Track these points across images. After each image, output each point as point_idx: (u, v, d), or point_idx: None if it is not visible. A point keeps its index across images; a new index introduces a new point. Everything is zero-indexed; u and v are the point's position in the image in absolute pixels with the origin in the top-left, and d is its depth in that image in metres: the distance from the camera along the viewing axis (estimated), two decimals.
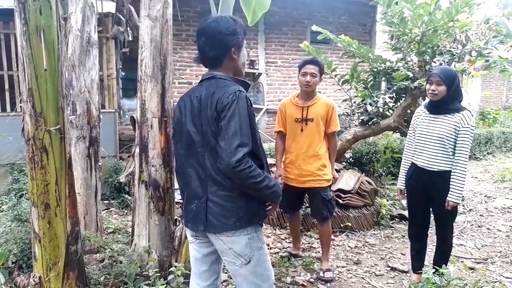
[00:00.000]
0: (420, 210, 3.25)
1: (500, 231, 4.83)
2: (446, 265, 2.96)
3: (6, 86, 5.52)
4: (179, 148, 2.09)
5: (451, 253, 3.36)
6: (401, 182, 3.33)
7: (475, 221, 5.17)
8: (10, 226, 3.40)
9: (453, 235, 3.37)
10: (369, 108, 5.77)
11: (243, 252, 1.97)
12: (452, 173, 2.96)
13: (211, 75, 2.04)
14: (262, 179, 1.87)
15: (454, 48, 5.23)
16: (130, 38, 5.27)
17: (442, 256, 3.20)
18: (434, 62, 5.08)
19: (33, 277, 2.61)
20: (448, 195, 2.95)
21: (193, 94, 2.04)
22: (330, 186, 3.60)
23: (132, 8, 5.03)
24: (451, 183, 2.95)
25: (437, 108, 3.04)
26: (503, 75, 4.80)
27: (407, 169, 3.28)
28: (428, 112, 3.11)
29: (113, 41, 5.77)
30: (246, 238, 1.96)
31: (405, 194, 3.31)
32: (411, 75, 5.12)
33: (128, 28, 5.00)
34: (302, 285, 3.41)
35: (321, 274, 3.51)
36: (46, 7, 2.23)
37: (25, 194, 4.52)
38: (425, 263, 3.42)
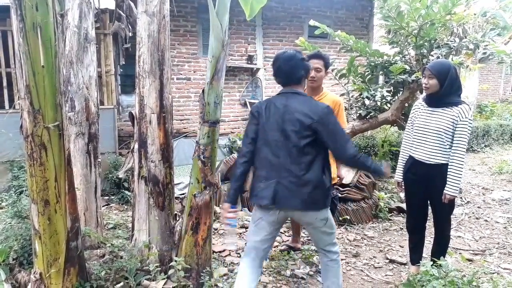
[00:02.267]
0: (418, 203, 3.27)
1: (497, 222, 4.86)
2: (444, 257, 2.99)
3: (4, 83, 5.52)
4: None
5: (449, 245, 3.38)
6: (398, 175, 3.35)
7: (473, 213, 5.20)
8: (10, 223, 3.41)
9: (451, 227, 3.40)
10: (366, 102, 5.78)
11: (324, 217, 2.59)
12: (449, 166, 2.98)
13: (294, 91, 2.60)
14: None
15: (451, 41, 5.24)
16: (130, 34, 5.27)
17: (440, 249, 3.23)
18: (432, 55, 5.09)
19: (34, 273, 2.63)
20: (445, 188, 2.97)
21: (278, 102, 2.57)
22: (333, 185, 3.55)
23: (132, 4, 5.02)
24: (448, 176, 2.97)
25: (435, 101, 3.05)
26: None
27: (405, 161, 3.30)
28: (427, 105, 3.12)
29: (111, 37, 5.77)
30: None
31: (403, 187, 3.34)
32: (408, 68, 5.13)
33: (129, 24, 5.00)
34: (302, 278, 3.44)
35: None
36: (42, 4, 2.23)
37: (25, 191, 4.53)
38: (424, 255, 3.45)
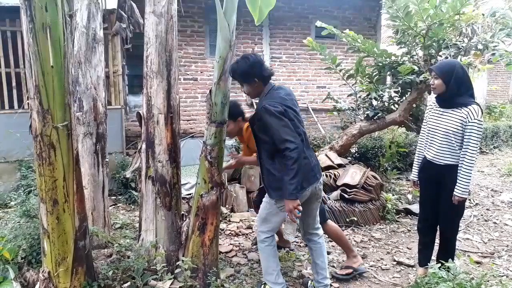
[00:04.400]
0: (429, 203, 3.25)
1: (506, 225, 4.81)
2: (452, 260, 2.95)
3: (14, 84, 5.57)
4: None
5: (458, 247, 3.34)
6: (414, 174, 3.38)
7: (482, 215, 5.15)
8: (19, 222, 3.44)
9: (459, 229, 3.36)
10: (374, 102, 5.75)
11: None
12: (459, 167, 2.95)
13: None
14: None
15: (460, 41, 5.19)
16: (131, 35, 5.28)
17: (445, 255, 3.14)
18: (440, 55, 5.05)
19: (42, 272, 2.64)
20: (455, 189, 2.94)
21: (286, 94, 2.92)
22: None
23: (134, 5, 5.03)
24: (457, 177, 2.94)
25: (445, 102, 3.03)
26: (508, 67, 4.76)
27: (420, 161, 3.29)
28: (438, 106, 3.11)
29: (119, 38, 5.79)
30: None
31: (418, 186, 3.34)
32: (416, 69, 5.10)
33: (130, 25, 5.00)
34: (308, 278, 3.42)
35: (338, 270, 3.48)
36: (51, 4, 2.25)
37: (34, 190, 4.57)
38: (432, 257, 3.42)
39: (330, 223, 3.53)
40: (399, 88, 5.53)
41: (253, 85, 2.87)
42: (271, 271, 3.00)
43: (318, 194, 3.02)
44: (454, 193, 2.94)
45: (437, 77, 2.97)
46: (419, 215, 3.45)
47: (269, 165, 2.85)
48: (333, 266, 3.66)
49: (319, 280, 3.12)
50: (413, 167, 3.39)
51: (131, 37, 5.39)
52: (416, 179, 3.35)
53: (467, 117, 2.89)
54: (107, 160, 3.74)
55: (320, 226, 3.21)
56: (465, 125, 2.90)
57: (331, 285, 3.29)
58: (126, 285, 2.91)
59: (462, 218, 4.61)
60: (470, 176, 2.92)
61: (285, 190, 2.66)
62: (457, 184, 2.94)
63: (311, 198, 2.97)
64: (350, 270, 3.44)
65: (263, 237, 2.98)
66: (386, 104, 5.74)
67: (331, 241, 3.98)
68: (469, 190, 3.04)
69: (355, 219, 4.60)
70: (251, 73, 2.81)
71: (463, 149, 2.94)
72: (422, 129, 3.34)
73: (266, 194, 2.96)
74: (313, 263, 3.17)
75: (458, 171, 2.94)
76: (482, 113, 2.94)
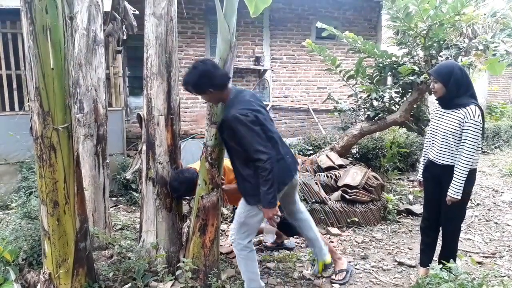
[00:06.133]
0: (432, 203, 3.25)
1: (508, 225, 4.80)
2: (454, 261, 2.95)
3: (14, 86, 5.58)
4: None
5: (459, 248, 3.33)
6: (419, 174, 3.41)
7: (483, 215, 5.14)
8: (20, 223, 3.44)
9: (461, 230, 3.35)
10: (375, 103, 5.75)
11: None
12: (455, 168, 2.96)
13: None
14: None
15: (460, 42, 5.19)
16: (125, 37, 5.26)
17: (446, 257, 3.12)
18: (441, 56, 5.05)
19: (43, 273, 2.65)
20: (448, 189, 2.95)
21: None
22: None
23: (129, 7, 5.00)
24: (453, 177, 2.95)
25: (445, 103, 3.04)
26: (492, 71, 4.77)
27: (425, 161, 3.31)
28: (440, 107, 3.12)
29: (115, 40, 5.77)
30: None
31: (423, 185, 3.37)
32: (417, 69, 5.09)
33: (124, 27, 4.98)
34: (309, 279, 3.43)
35: (333, 276, 3.44)
36: (52, 7, 2.25)
37: (34, 191, 4.57)
38: (434, 258, 3.41)
39: None
40: (400, 89, 5.53)
41: (210, 95, 2.75)
42: (256, 277, 2.96)
43: (295, 185, 3.04)
44: (447, 193, 2.95)
45: (436, 81, 2.99)
46: (422, 215, 3.45)
47: (244, 172, 2.77)
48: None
49: (318, 252, 3.24)
50: (419, 166, 3.44)
51: (128, 39, 5.36)
52: (422, 178, 3.37)
53: (464, 118, 2.89)
54: (107, 161, 3.74)
55: (302, 206, 3.27)
56: (463, 126, 2.90)
57: (332, 285, 3.30)
58: (127, 286, 2.91)
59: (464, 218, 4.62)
60: (464, 177, 2.90)
61: (263, 199, 2.64)
62: (450, 184, 2.94)
63: (289, 191, 2.99)
64: (344, 273, 3.45)
65: (244, 244, 2.89)
66: (386, 104, 5.73)
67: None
68: (470, 191, 3.03)
69: (356, 219, 4.60)
70: (203, 84, 2.67)
71: (459, 149, 2.94)
72: (428, 129, 3.37)
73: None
74: (307, 239, 3.28)
75: (454, 171, 2.94)
76: (483, 113, 2.93)
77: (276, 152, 2.72)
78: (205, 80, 2.65)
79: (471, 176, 2.97)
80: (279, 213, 2.72)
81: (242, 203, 2.89)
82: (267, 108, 8.36)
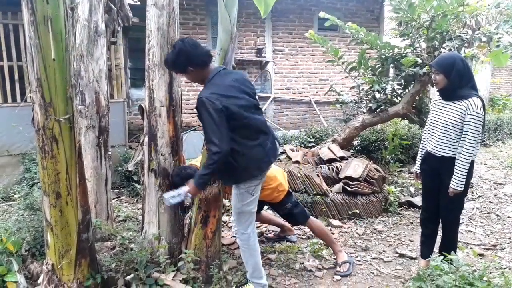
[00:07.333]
0: (430, 195, 3.25)
1: (509, 217, 4.80)
2: (455, 253, 2.96)
3: (16, 77, 5.57)
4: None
5: (460, 240, 3.34)
6: (417, 166, 3.40)
7: (484, 207, 5.14)
8: (22, 214, 3.46)
9: (462, 221, 3.36)
10: (377, 95, 5.73)
11: None
12: (455, 160, 2.95)
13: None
14: None
15: (464, 33, 5.15)
16: (119, 28, 5.23)
17: (447, 249, 3.13)
18: (444, 47, 5.02)
19: (46, 264, 2.66)
20: (450, 181, 2.95)
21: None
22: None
23: None
24: (454, 169, 2.94)
25: (447, 95, 3.03)
26: (496, 62, 4.72)
27: (423, 153, 3.30)
28: (441, 98, 3.10)
29: (121, 30, 5.75)
30: None
31: (420, 177, 3.35)
32: (419, 61, 5.07)
33: (119, 18, 4.94)
34: (310, 270, 3.44)
35: (337, 268, 3.47)
36: None
37: (37, 183, 4.58)
38: (435, 250, 3.42)
39: (313, 219, 3.57)
40: (402, 81, 5.51)
41: (191, 73, 2.70)
42: (259, 267, 2.99)
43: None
44: (450, 185, 2.95)
45: (438, 73, 2.97)
46: (421, 206, 3.46)
47: None
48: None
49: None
50: (417, 158, 3.41)
51: (129, 30, 5.33)
52: (419, 171, 3.36)
53: (466, 109, 2.88)
54: (109, 153, 3.74)
55: None
56: (464, 117, 2.89)
57: (333, 277, 3.31)
58: (129, 277, 2.93)
59: (465, 211, 4.62)
60: (466, 169, 2.91)
61: (197, 177, 2.68)
62: (453, 176, 2.94)
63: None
64: (348, 264, 3.47)
65: (248, 233, 2.93)
66: (389, 96, 5.71)
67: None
68: (471, 183, 3.03)
69: (358, 211, 4.60)
70: (181, 62, 2.64)
71: (461, 141, 2.93)
72: (426, 121, 3.35)
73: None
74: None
75: (455, 163, 2.94)
76: (484, 105, 2.92)
77: (251, 140, 2.72)
78: (183, 58, 2.62)
79: (470, 167, 2.97)
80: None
81: (234, 194, 2.90)
82: (270, 100, 8.35)
